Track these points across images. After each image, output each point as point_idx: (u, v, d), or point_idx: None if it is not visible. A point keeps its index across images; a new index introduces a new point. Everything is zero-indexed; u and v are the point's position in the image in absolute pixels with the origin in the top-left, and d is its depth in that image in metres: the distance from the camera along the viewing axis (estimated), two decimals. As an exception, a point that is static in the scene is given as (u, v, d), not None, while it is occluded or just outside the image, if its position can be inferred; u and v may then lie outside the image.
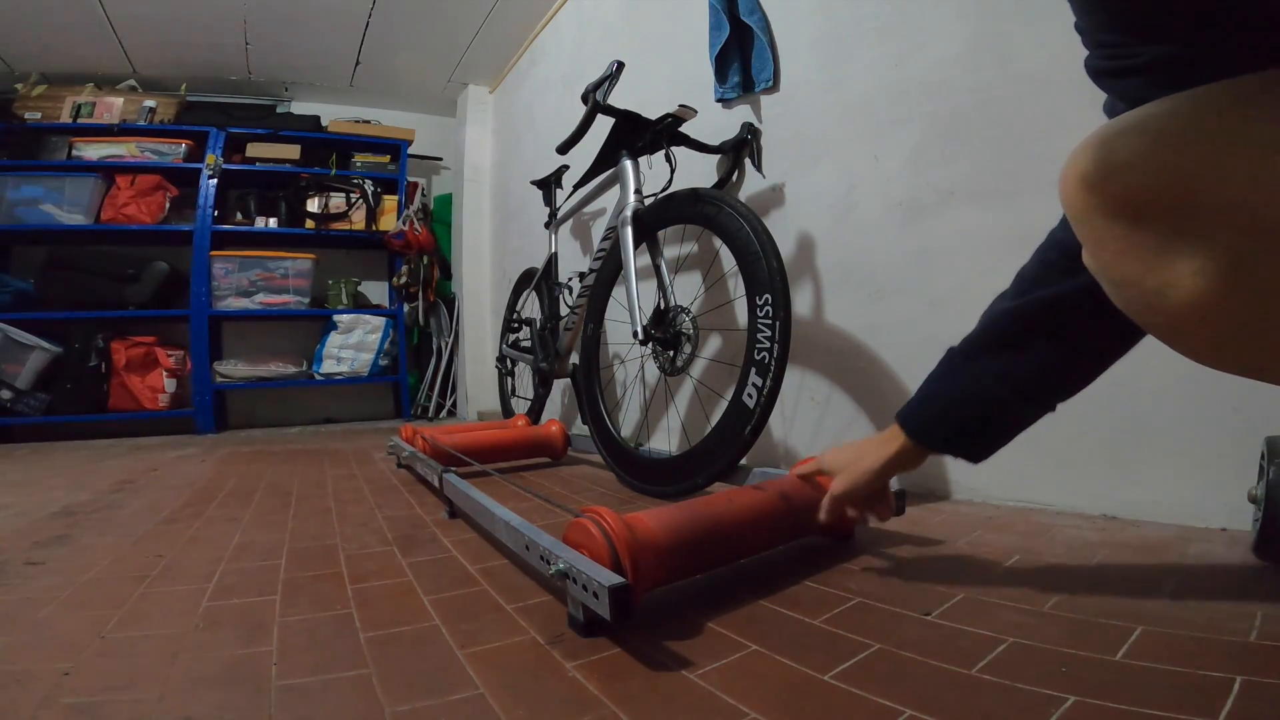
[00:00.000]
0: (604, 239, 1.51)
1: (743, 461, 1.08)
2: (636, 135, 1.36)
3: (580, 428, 1.69)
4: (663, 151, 1.34)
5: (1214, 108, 0.34)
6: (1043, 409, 0.61)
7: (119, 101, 2.91)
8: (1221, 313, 0.35)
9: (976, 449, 0.65)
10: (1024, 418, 0.62)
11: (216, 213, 2.95)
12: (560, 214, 1.98)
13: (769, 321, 1.03)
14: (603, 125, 1.38)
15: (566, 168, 1.99)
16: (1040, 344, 0.57)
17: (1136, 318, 0.41)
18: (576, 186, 1.65)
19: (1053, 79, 0.95)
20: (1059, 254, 0.55)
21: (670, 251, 1.63)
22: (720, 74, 1.54)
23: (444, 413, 3.34)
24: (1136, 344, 0.55)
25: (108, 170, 2.81)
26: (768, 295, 1.04)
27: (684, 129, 1.35)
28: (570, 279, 1.84)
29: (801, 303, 1.35)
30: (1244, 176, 0.32)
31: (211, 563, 0.88)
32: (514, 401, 2.39)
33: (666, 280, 1.29)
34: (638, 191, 1.35)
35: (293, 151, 3.13)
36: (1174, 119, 0.35)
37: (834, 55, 1.31)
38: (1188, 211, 0.34)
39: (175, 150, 2.92)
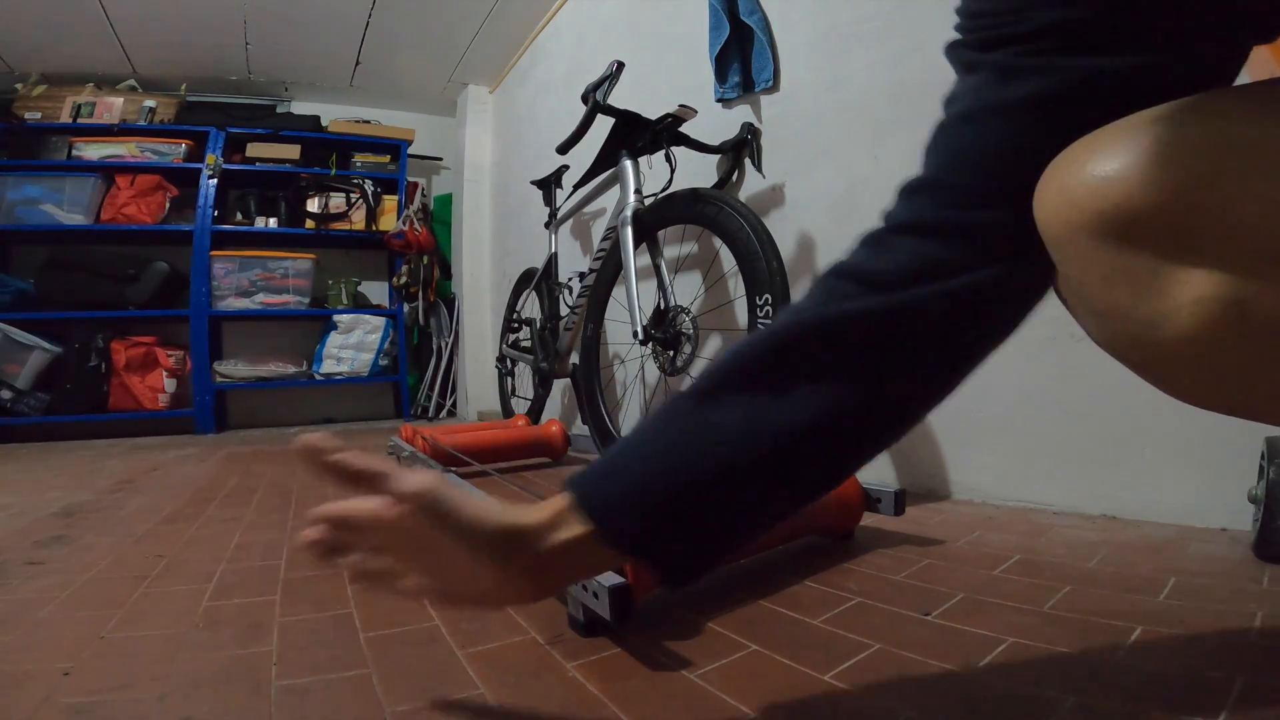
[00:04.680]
0: (604, 239, 1.51)
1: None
2: (636, 135, 1.37)
3: (580, 428, 1.69)
4: (663, 151, 1.34)
5: (1221, 116, 0.30)
6: (791, 503, 0.41)
7: (119, 101, 2.91)
8: (1224, 347, 0.31)
9: (686, 554, 0.40)
10: (764, 511, 0.41)
11: (216, 213, 2.94)
12: (560, 214, 1.98)
13: (769, 321, 1.03)
14: (603, 125, 1.38)
15: (566, 168, 1.99)
16: (809, 389, 0.38)
17: (1120, 354, 0.36)
18: (576, 186, 1.65)
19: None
20: (850, 281, 0.40)
21: (670, 251, 1.63)
22: (720, 74, 1.54)
23: (444, 413, 3.34)
24: (920, 420, 0.42)
25: (108, 170, 2.81)
26: (768, 295, 1.04)
27: (684, 129, 1.35)
28: (570, 279, 1.84)
29: (801, 303, 1.35)
30: (1254, 193, 0.28)
31: (211, 563, 0.88)
32: (514, 401, 2.38)
33: (666, 280, 1.29)
34: (638, 191, 1.35)
35: (293, 151, 3.12)
36: (1173, 127, 0.31)
37: (834, 55, 1.31)
38: (1188, 232, 0.30)
39: (175, 150, 2.91)
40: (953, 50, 0.41)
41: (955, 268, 0.38)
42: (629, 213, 1.32)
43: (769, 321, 1.02)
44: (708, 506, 0.39)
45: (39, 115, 2.82)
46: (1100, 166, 0.32)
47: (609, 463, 0.41)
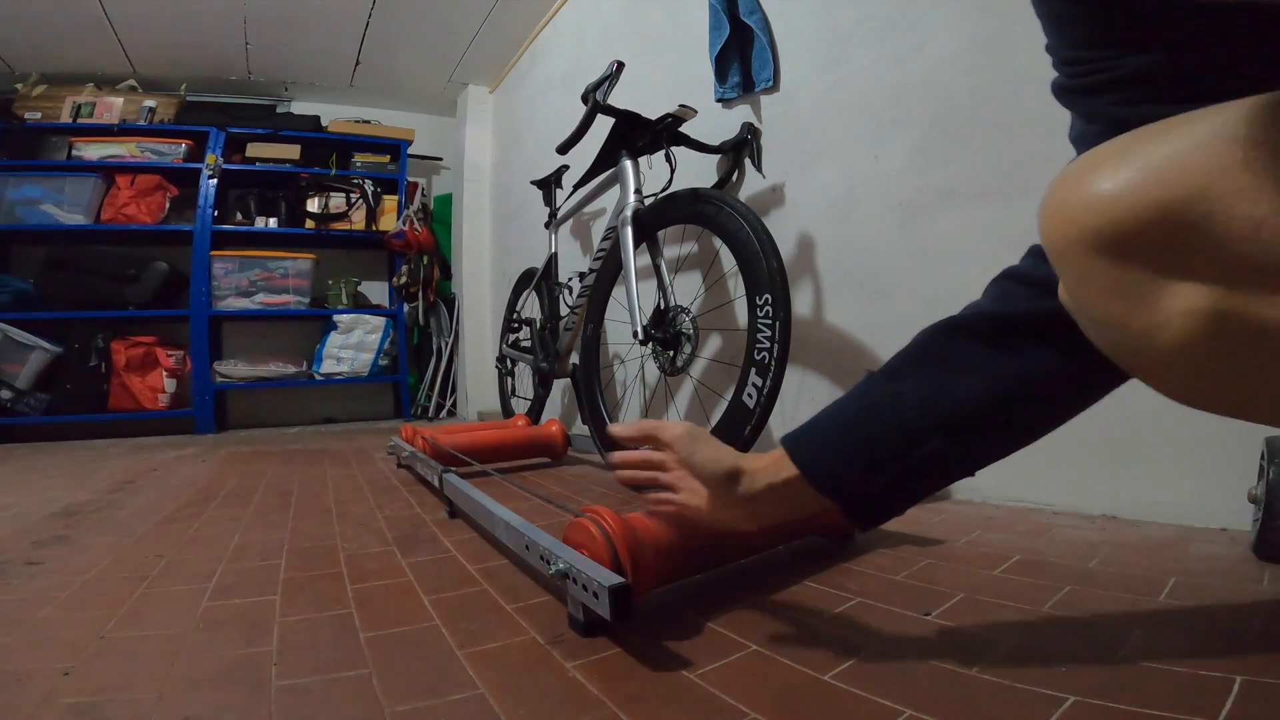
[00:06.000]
0: (604, 239, 1.51)
1: (743, 461, 1.08)
2: (636, 135, 1.36)
3: (580, 428, 1.69)
4: (663, 151, 1.34)
5: (1206, 136, 0.32)
6: (962, 465, 0.49)
7: (119, 101, 2.91)
8: (1210, 356, 0.33)
9: (867, 499, 0.50)
10: (937, 468, 0.49)
11: (216, 213, 2.95)
12: (560, 214, 1.98)
13: (769, 321, 1.03)
14: (603, 125, 1.38)
15: (566, 168, 1.99)
16: (983, 368, 0.47)
17: (1120, 360, 0.38)
18: (576, 186, 1.65)
19: (1052, 79, 0.95)
20: (1023, 285, 0.48)
21: (670, 251, 1.63)
22: (720, 74, 1.54)
23: (444, 413, 3.34)
24: (1081, 410, 0.48)
25: (108, 170, 2.81)
26: (768, 295, 1.04)
27: (684, 129, 1.35)
28: (570, 279, 1.84)
29: (801, 303, 1.35)
30: (1236, 212, 0.30)
31: (211, 563, 0.88)
32: (514, 401, 2.39)
33: (666, 280, 1.29)
34: (638, 191, 1.35)
35: (293, 151, 3.13)
36: (1163, 146, 0.33)
37: (834, 55, 1.31)
38: (1176, 248, 0.32)
39: (175, 150, 2.91)
40: (1064, 94, 0.44)
41: None
42: (629, 213, 1.32)
43: (769, 321, 1.03)
44: (889, 459, 0.48)
45: (39, 115, 2.82)
46: (1096, 185, 0.34)
47: (815, 423, 0.53)
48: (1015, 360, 0.46)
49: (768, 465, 0.54)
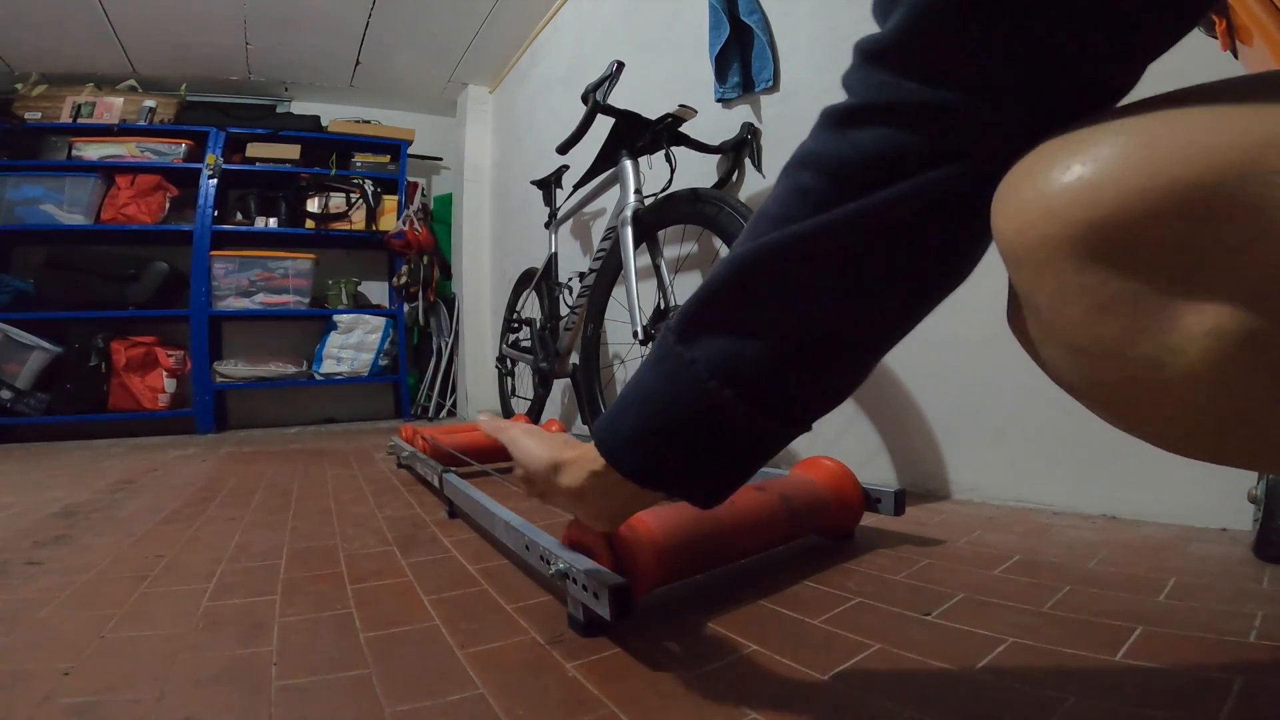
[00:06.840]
0: (604, 239, 1.51)
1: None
2: (636, 135, 1.36)
3: (580, 428, 1.69)
4: (663, 151, 1.34)
5: (1242, 108, 0.23)
6: (792, 426, 0.40)
7: (119, 101, 2.91)
8: (1233, 392, 0.24)
9: (696, 486, 0.42)
10: (765, 439, 0.40)
11: (216, 213, 2.94)
12: (560, 214, 1.98)
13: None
14: (603, 125, 1.38)
15: (566, 168, 1.99)
16: (779, 318, 0.36)
17: (1101, 402, 0.29)
18: (576, 186, 1.65)
19: None
20: (815, 176, 0.35)
21: (670, 251, 1.63)
22: (720, 74, 1.54)
23: (444, 413, 3.34)
24: (916, 325, 0.38)
25: (108, 170, 2.81)
26: (768, 295, 1.04)
27: (684, 129, 1.35)
28: (570, 279, 1.84)
29: (801, 303, 1.35)
30: None
31: (211, 563, 0.88)
32: (514, 401, 2.39)
33: (666, 280, 1.29)
34: (638, 191, 1.35)
35: (293, 151, 3.12)
36: (1176, 118, 0.24)
37: (834, 55, 1.31)
38: (1200, 248, 0.23)
39: (175, 150, 2.91)
40: None
41: (920, 161, 0.33)
42: (629, 213, 1.32)
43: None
44: (700, 440, 0.40)
45: (39, 115, 2.82)
46: (1089, 166, 0.25)
47: (618, 403, 0.44)
48: (810, 303, 0.36)
49: (583, 453, 0.46)
